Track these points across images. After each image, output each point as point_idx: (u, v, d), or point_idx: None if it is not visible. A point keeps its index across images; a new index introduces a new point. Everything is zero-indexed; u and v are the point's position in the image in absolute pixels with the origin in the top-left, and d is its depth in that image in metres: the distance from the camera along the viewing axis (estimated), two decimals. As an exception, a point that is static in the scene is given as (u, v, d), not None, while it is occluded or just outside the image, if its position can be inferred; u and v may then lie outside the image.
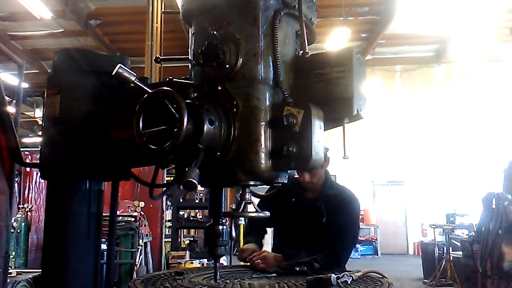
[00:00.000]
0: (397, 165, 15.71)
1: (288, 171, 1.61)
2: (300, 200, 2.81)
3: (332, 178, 2.92)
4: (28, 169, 7.59)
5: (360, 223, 3.00)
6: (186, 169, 1.33)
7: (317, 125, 1.43)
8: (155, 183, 1.93)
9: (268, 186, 1.73)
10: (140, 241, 5.73)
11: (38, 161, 1.80)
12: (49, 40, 13.02)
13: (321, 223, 2.69)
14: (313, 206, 2.73)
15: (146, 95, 1.42)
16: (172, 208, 8.89)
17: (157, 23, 9.23)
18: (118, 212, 3.74)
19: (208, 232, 1.63)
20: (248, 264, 2.41)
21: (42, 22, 11.37)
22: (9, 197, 1.93)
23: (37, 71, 14.28)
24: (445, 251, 8.74)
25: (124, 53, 11.61)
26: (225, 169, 1.46)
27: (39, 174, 2.20)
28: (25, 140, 18.16)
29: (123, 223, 5.65)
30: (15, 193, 5.08)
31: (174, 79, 1.49)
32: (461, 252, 7.24)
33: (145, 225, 5.99)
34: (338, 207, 2.71)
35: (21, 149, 2.02)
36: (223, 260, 4.42)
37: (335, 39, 11.72)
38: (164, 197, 7.74)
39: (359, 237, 15.06)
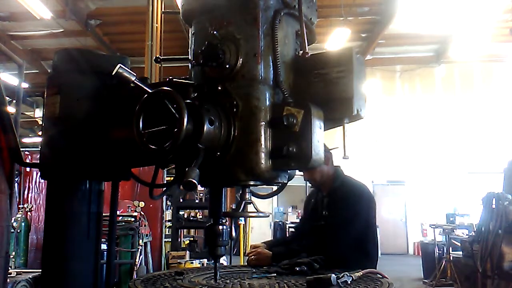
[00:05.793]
0: (397, 165, 15.70)
1: (288, 171, 1.61)
2: (317, 200, 2.92)
3: (343, 173, 2.93)
4: (28, 169, 7.59)
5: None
6: (186, 169, 1.33)
7: (317, 125, 1.43)
8: (155, 183, 1.93)
9: (269, 186, 1.74)
10: (140, 241, 5.73)
11: (38, 161, 1.79)
12: (49, 40, 13.01)
13: (322, 216, 2.76)
14: (323, 202, 2.84)
15: (146, 95, 1.42)
16: (172, 208, 8.88)
17: (157, 23, 9.22)
18: (118, 212, 3.74)
19: (208, 232, 1.64)
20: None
21: (42, 22, 11.36)
22: (9, 197, 1.93)
23: (37, 71, 14.27)
24: (445, 251, 8.73)
25: (124, 53, 11.62)
26: (225, 169, 1.46)
27: (39, 174, 2.20)
28: (25, 140, 18.15)
29: (123, 223, 5.64)
30: (15, 193, 5.07)
31: (174, 79, 1.49)
32: (461, 252, 7.23)
33: (145, 225, 5.99)
34: (339, 200, 2.74)
35: (21, 149, 2.02)
36: (223, 260, 4.43)
37: (335, 39, 11.72)
38: (164, 197, 7.74)
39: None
